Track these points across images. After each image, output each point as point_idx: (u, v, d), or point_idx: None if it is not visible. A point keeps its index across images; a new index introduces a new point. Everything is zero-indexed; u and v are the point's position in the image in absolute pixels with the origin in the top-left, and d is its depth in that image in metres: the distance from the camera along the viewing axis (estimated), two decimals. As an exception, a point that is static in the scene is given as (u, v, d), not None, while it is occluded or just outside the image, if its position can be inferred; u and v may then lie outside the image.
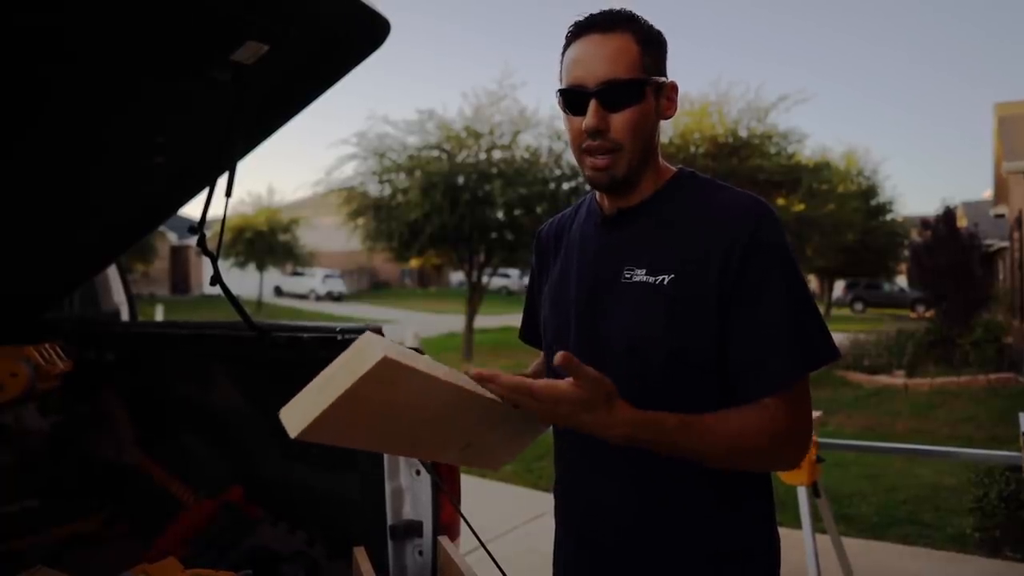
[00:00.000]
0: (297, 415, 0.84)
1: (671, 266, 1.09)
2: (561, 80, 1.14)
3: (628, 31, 1.09)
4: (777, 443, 1.05)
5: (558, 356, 0.92)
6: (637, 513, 1.14)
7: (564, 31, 1.15)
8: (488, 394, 1.07)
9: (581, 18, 1.12)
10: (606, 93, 1.08)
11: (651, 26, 1.13)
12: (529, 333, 1.43)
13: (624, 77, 1.08)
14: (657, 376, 1.10)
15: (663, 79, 1.13)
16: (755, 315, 1.05)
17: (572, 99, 1.11)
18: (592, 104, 1.08)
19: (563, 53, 1.14)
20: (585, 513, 1.21)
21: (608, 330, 1.15)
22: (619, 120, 1.09)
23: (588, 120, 1.09)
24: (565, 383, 0.95)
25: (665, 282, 1.09)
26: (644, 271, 1.11)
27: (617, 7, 1.13)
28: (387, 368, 0.84)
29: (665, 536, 1.13)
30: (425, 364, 0.92)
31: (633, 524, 1.15)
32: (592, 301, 1.18)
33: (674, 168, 1.21)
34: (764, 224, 1.08)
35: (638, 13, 1.14)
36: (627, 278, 1.13)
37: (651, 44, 1.11)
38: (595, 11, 1.13)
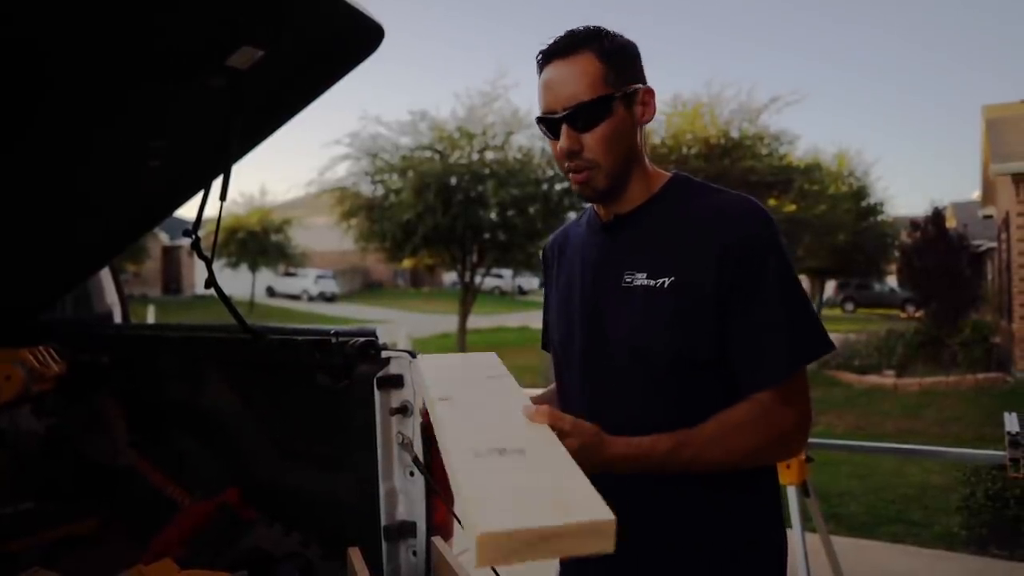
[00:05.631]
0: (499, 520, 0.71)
1: (670, 269, 1.12)
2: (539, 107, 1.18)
3: (589, 50, 1.12)
4: (775, 435, 1.10)
5: (537, 415, 0.94)
6: (651, 512, 1.16)
7: (559, 31, 1.18)
8: None
9: (545, 45, 1.16)
10: (573, 116, 1.12)
11: (616, 38, 1.15)
12: (548, 344, 1.45)
13: (588, 98, 1.11)
14: (663, 377, 1.13)
15: (634, 87, 1.15)
16: (751, 313, 1.09)
17: (547, 125, 1.16)
18: (563, 129, 1.12)
19: (538, 78, 1.18)
20: None
21: (613, 335, 1.17)
22: (591, 139, 1.13)
23: (561, 143, 1.13)
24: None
25: (666, 285, 1.12)
26: (645, 275, 1.14)
27: (581, 26, 1.16)
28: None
29: (681, 531, 1.15)
30: None
31: (648, 524, 1.16)
32: (596, 307, 1.20)
33: (667, 173, 1.23)
34: (758, 224, 1.12)
35: (604, 26, 1.16)
36: (628, 282, 1.16)
37: (615, 57, 1.13)
38: (560, 35, 1.15)
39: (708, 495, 1.14)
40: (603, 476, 1.21)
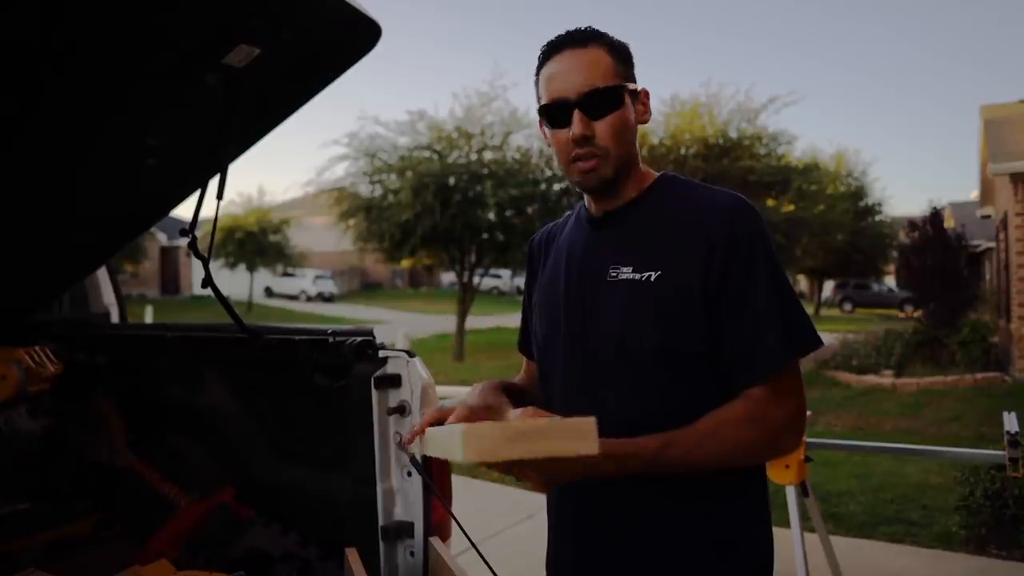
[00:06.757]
0: (479, 442, 0.80)
1: (657, 263, 1.13)
2: (540, 98, 1.18)
3: (600, 44, 1.15)
4: (769, 432, 1.09)
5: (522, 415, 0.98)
6: (632, 512, 1.16)
7: (558, 31, 1.19)
8: None
9: (553, 38, 1.18)
10: (588, 102, 1.13)
11: (618, 39, 1.19)
12: (525, 343, 1.44)
13: (603, 85, 1.12)
14: (648, 370, 1.13)
15: (637, 87, 1.19)
16: (742, 308, 1.09)
17: (555, 113, 1.15)
18: (576, 114, 1.13)
19: (537, 73, 1.19)
20: (581, 516, 1.22)
21: (598, 329, 1.17)
22: (603, 127, 1.13)
23: (575, 129, 1.13)
24: None
25: (652, 279, 1.12)
26: (630, 269, 1.15)
27: (584, 25, 1.19)
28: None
29: (662, 532, 1.15)
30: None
31: (630, 524, 1.16)
32: (580, 301, 1.20)
33: (655, 173, 1.25)
34: (743, 219, 1.12)
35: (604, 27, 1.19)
36: (613, 276, 1.16)
37: (621, 55, 1.17)
38: (565, 31, 1.18)
39: (700, 494, 1.14)
40: (578, 489, 1.21)
